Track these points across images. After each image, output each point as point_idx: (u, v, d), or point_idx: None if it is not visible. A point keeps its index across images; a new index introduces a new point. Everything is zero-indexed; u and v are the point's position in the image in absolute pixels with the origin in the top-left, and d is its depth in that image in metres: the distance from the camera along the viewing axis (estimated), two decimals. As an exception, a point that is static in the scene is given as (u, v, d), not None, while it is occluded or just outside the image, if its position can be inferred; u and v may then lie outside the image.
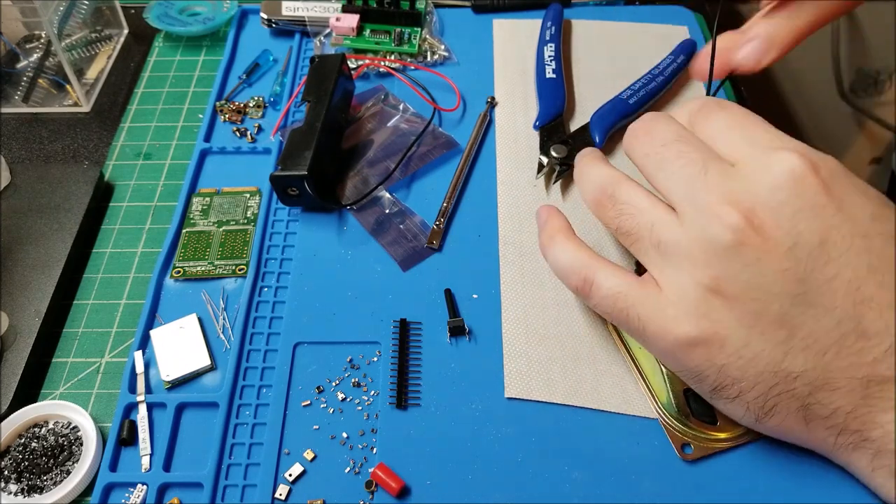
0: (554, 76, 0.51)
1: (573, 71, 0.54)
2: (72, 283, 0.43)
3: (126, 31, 0.60)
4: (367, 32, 0.56)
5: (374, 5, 0.55)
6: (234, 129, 0.51)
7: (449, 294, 0.41)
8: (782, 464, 0.34)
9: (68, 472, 0.35)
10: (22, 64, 0.54)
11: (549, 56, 0.53)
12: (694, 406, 0.36)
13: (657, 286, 0.32)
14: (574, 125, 0.50)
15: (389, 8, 0.55)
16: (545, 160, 0.47)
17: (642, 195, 0.34)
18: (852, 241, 0.29)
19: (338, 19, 0.55)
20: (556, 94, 0.50)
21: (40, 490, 0.34)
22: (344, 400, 0.37)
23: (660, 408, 0.36)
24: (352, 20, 0.55)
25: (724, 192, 0.30)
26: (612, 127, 0.48)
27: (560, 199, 0.46)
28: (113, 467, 0.35)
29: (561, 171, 0.46)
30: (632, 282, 0.33)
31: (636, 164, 0.35)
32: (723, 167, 0.31)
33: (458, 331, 0.39)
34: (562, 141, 0.48)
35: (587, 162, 0.37)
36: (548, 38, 0.54)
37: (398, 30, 0.55)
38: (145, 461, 0.35)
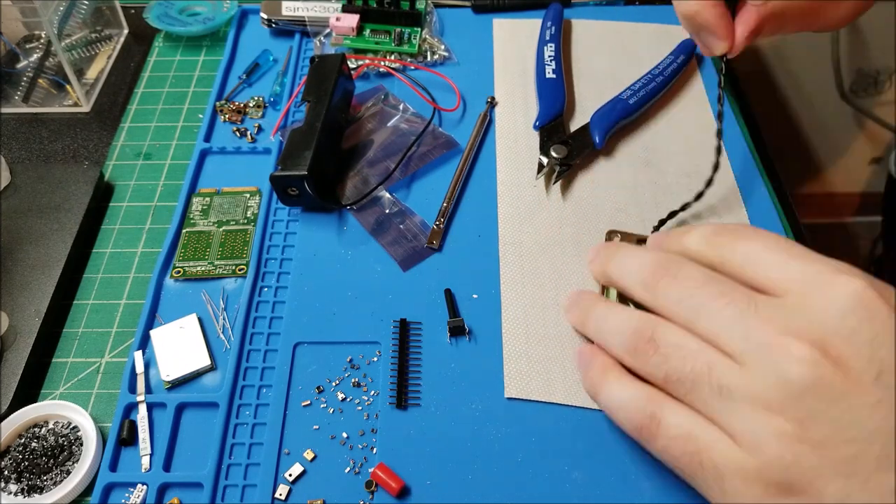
0: (554, 76, 0.51)
1: (573, 71, 0.54)
2: (72, 283, 0.43)
3: (126, 31, 0.60)
4: (367, 32, 0.56)
5: (374, 5, 0.55)
6: (234, 129, 0.51)
7: (449, 294, 0.41)
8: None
9: (68, 472, 0.35)
10: (22, 64, 0.54)
11: (550, 56, 0.53)
12: None
13: (727, 433, 0.28)
14: (574, 125, 0.50)
15: (389, 8, 0.55)
16: (545, 160, 0.47)
17: (689, 336, 0.30)
18: None
19: (338, 19, 0.55)
20: (556, 94, 0.50)
21: (40, 490, 0.34)
22: (344, 400, 0.37)
23: None
24: (352, 20, 0.54)
25: (784, 325, 0.27)
26: (612, 127, 0.48)
27: (560, 199, 0.46)
28: (113, 467, 0.35)
29: (561, 172, 0.46)
30: (702, 420, 0.29)
31: (664, 313, 0.31)
32: (772, 300, 0.28)
33: (458, 331, 0.39)
34: (562, 141, 0.48)
35: (607, 308, 0.33)
36: (548, 37, 0.54)
37: (398, 30, 0.55)
38: (145, 461, 0.35)
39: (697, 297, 0.30)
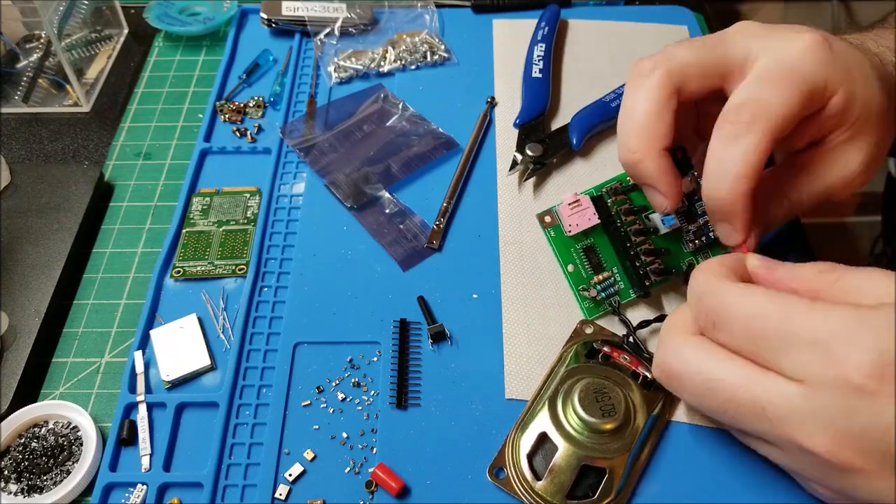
0: (540, 76, 0.51)
1: (565, 71, 0.54)
2: (72, 283, 0.43)
3: (126, 31, 0.60)
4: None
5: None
6: (234, 129, 0.51)
7: (422, 301, 0.41)
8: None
9: (68, 472, 0.35)
10: (22, 64, 0.54)
11: (538, 56, 0.53)
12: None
13: None
14: (557, 125, 0.50)
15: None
16: (519, 157, 0.47)
17: None
18: None
19: (575, 202, 0.39)
20: (539, 93, 0.50)
21: (40, 490, 0.34)
22: (344, 400, 0.37)
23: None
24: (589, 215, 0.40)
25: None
26: (590, 129, 0.48)
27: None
28: (113, 467, 0.35)
29: (534, 170, 0.46)
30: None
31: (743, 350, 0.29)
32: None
33: (439, 336, 0.39)
34: (539, 140, 0.48)
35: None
36: (539, 38, 0.54)
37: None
38: (145, 461, 0.35)
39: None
